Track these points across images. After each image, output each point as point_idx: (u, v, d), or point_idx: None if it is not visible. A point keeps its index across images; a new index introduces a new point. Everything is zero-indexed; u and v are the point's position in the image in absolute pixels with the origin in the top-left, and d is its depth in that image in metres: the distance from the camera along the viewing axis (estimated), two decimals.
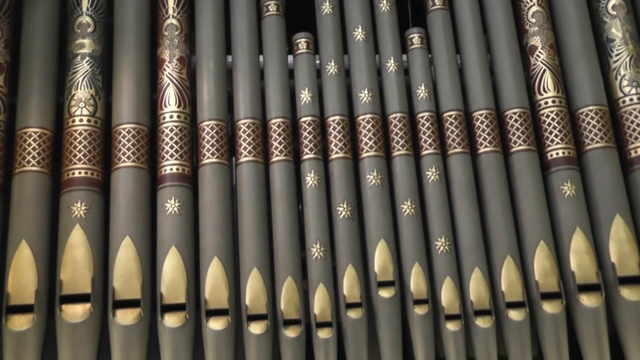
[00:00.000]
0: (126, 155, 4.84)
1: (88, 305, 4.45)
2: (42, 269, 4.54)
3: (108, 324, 4.48)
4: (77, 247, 4.58)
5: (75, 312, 4.44)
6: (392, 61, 5.32)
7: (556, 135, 5.10)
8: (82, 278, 4.52)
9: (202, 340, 4.52)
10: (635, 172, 5.01)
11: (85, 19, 5.19)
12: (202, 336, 4.53)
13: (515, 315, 4.65)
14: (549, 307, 4.66)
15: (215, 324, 4.51)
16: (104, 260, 4.66)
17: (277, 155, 4.99)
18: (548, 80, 5.26)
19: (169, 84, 5.08)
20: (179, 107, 5.02)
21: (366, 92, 5.20)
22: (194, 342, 4.53)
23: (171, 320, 4.49)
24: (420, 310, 4.65)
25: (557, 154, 5.05)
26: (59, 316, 4.43)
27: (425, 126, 5.14)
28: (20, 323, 4.38)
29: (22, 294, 4.44)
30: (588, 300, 4.66)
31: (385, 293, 4.68)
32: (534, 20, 5.45)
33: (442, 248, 4.81)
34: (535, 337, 4.69)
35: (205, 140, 4.96)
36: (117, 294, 4.50)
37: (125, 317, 4.46)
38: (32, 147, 4.80)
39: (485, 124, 5.15)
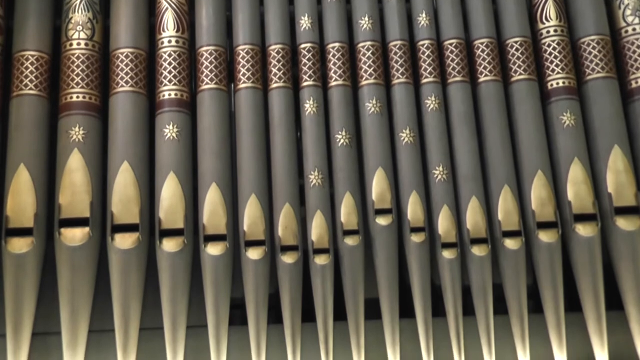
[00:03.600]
0: (124, 80, 4.81)
1: (87, 230, 4.48)
2: (41, 193, 4.56)
3: (107, 248, 4.52)
4: (75, 172, 4.58)
5: (75, 236, 4.47)
6: None
7: (557, 65, 5.07)
8: (81, 202, 4.53)
9: (200, 266, 4.56)
10: (636, 103, 5.00)
11: None
12: (200, 261, 4.57)
13: (511, 244, 4.69)
14: (545, 237, 4.69)
15: (214, 250, 4.54)
16: (103, 185, 4.67)
17: (276, 82, 4.96)
18: (551, 9, 5.21)
19: (167, 9, 5.03)
20: (177, 32, 4.98)
21: (367, 19, 5.15)
22: (192, 267, 4.57)
23: (170, 245, 4.52)
24: (417, 238, 4.68)
25: (558, 84, 5.03)
26: (58, 240, 4.46)
27: (426, 54, 5.11)
28: (19, 246, 4.42)
29: (21, 217, 4.47)
30: (584, 230, 4.69)
31: (382, 221, 4.71)
32: None
33: (440, 177, 4.82)
34: (530, 266, 4.74)
35: (204, 66, 4.93)
36: (116, 219, 4.53)
37: (124, 242, 4.49)
38: (29, 70, 4.77)
39: (486, 52, 5.11)
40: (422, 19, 5.18)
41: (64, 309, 4.40)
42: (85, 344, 4.38)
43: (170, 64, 4.89)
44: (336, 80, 5.00)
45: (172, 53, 4.92)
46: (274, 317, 4.63)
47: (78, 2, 4.97)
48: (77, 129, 4.68)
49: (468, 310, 4.65)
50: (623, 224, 4.70)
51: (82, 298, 4.42)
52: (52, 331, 4.50)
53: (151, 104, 4.89)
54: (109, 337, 4.46)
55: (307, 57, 5.04)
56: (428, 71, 5.07)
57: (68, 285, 4.42)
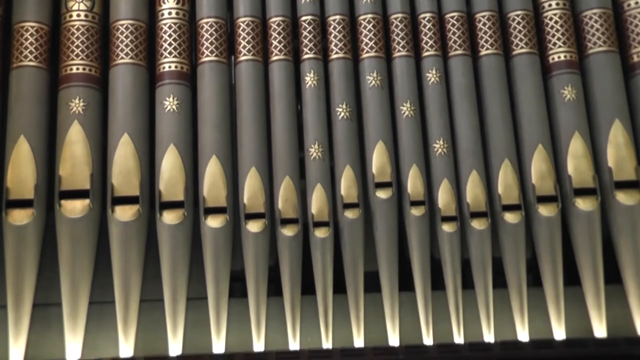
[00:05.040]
0: (124, 52, 4.80)
1: (87, 201, 4.49)
2: (41, 164, 4.56)
3: (107, 220, 4.52)
4: (75, 143, 4.58)
5: (75, 208, 4.48)
6: None
7: (558, 39, 5.05)
8: (81, 174, 4.54)
9: (200, 238, 4.57)
10: (637, 77, 4.99)
11: None
12: (200, 233, 4.58)
13: (510, 217, 4.70)
14: (545, 210, 4.70)
15: (214, 222, 4.55)
16: (103, 156, 4.67)
17: (276, 55, 4.94)
18: None
19: None
20: (177, 3, 4.95)
21: None
22: (192, 239, 4.58)
23: (170, 218, 4.53)
24: (416, 212, 4.69)
25: (559, 57, 5.02)
26: (59, 211, 4.47)
27: (427, 27, 5.08)
28: (20, 217, 4.43)
29: (21, 188, 4.47)
30: (584, 204, 4.70)
31: (382, 194, 4.72)
32: None
33: (440, 150, 4.82)
34: (529, 240, 4.75)
35: (204, 38, 4.91)
36: (116, 191, 4.53)
37: (124, 214, 4.50)
38: (29, 41, 4.75)
39: (487, 25, 5.09)
40: None
41: (64, 280, 4.41)
42: (85, 315, 4.41)
43: (170, 35, 4.87)
44: (337, 52, 4.99)
45: (172, 25, 4.90)
46: (274, 289, 4.65)
47: None
48: (77, 101, 4.67)
49: (467, 283, 4.66)
50: (623, 198, 4.70)
51: (83, 269, 4.44)
52: (52, 302, 4.51)
53: (151, 76, 4.88)
54: (109, 308, 4.48)
55: (307, 30, 5.02)
56: (429, 44, 5.05)
57: (68, 256, 4.44)
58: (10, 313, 4.35)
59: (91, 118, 4.67)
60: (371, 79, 4.93)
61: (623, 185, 4.73)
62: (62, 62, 4.78)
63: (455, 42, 5.05)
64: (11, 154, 4.53)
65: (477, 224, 4.69)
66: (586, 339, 4.59)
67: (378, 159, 4.78)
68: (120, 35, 4.83)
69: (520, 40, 5.04)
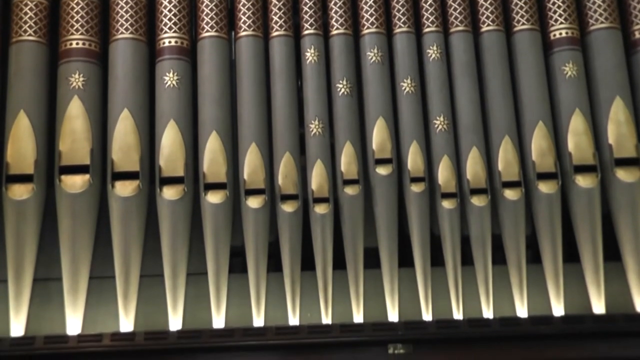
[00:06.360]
0: (124, 27, 4.78)
1: (87, 177, 4.49)
2: (41, 140, 4.56)
3: (107, 195, 4.53)
4: (75, 119, 4.58)
5: (75, 183, 4.49)
6: None
7: (560, 15, 5.03)
8: (81, 149, 4.54)
9: (200, 213, 4.57)
10: (638, 54, 4.98)
11: None
12: (200, 209, 4.58)
13: (510, 194, 4.70)
14: (545, 187, 4.70)
15: (214, 198, 4.56)
16: (103, 132, 4.67)
17: (277, 30, 4.93)
18: None
19: None
20: None
21: None
22: (192, 215, 4.58)
23: (170, 193, 4.54)
24: (416, 188, 4.69)
25: (561, 34, 5.00)
26: (59, 186, 4.48)
27: (428, 3, 5.06)
28: (20, 192, 4.43)
29: (21, 163, 4.48)
30: (584, 181, 4.70)
31: (382, 170, 4.72)
32: None
33: (440, 127, 4.82)
34: (529, 216, 4.75)
35: (205, 13, 4.89)
36: (116, 166, 4.54)
37: (124, 189, 4.50)
38: (28, 16, 4.73)
39: (488, 2, 5.06)
40: None
41: (64, 255, 4.43)
42: (85, 290, 4.43)
43: (170, 10, 4.85)
44: (337, 28, 4.97)
45: None
46: (274, 265, 4.66)
47: None
48: (76, 76, 4.66)
49: (466, 259, 4.67)
50: (623, 175, 4.70)
51: (83, 244, 4.46)
52: (53, 277, 4.53)
53: (151, 51, 4.86)
54: (110, 283, 4.49)
55: (308, 5, 5.00)
56: (430, 20, 5.03)
57: (68, 231, 4.45)
58: (10, 287, 4.37)
59: (91, 93, 4.67)
60: (372, 55, 4.91)
61: (623, 162, 4.73)
62: (61, 37, 4.77)
63: (456, 18, 5.03)
64: (11, 129, 4.53)
65: (477, 201, 4.69)
66: (585, 315, 4.60)
67: (378, 135, 4.77)
68: (120, 10, 4.81)
69: (522, 16, 5.02)
